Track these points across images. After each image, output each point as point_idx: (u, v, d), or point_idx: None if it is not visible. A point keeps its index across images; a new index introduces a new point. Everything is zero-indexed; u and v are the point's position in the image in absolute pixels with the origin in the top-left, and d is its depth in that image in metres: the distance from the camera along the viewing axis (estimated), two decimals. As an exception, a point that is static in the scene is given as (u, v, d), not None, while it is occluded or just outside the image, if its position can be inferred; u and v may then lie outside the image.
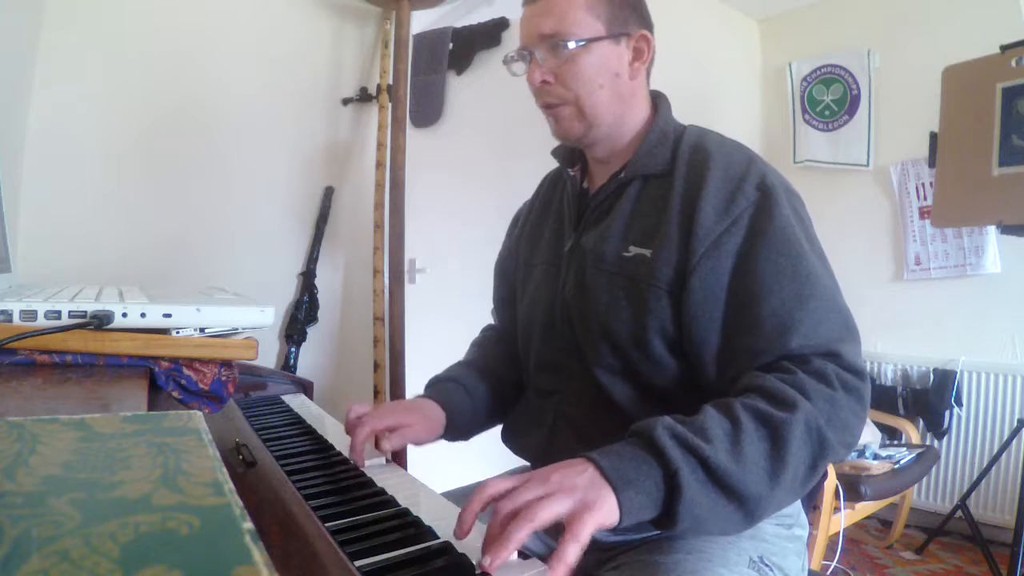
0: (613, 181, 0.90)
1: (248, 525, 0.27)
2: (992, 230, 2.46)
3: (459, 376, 1.00)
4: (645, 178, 0.87)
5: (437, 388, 0.99)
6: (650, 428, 0.66)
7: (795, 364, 0.72)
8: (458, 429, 0.97)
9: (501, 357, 1.07)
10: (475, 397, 0.99)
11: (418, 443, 0.92)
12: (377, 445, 0.87)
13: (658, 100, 0.93)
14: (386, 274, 1.89)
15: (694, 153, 0.84)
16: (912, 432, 2.52)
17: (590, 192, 0.96)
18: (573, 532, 0.57)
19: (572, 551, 0.56)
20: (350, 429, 0.87)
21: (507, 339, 1.10)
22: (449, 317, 2.01)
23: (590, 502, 0.59)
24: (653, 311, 0.80)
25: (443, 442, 0.98)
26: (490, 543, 0.56)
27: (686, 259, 0.79)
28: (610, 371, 0.86)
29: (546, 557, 0.57)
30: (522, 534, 0.56)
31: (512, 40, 2.14)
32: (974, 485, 2.29)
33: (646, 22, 0.90)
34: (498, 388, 1.02)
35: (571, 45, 0.83)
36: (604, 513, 0.59)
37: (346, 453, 0.87)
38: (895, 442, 2.49)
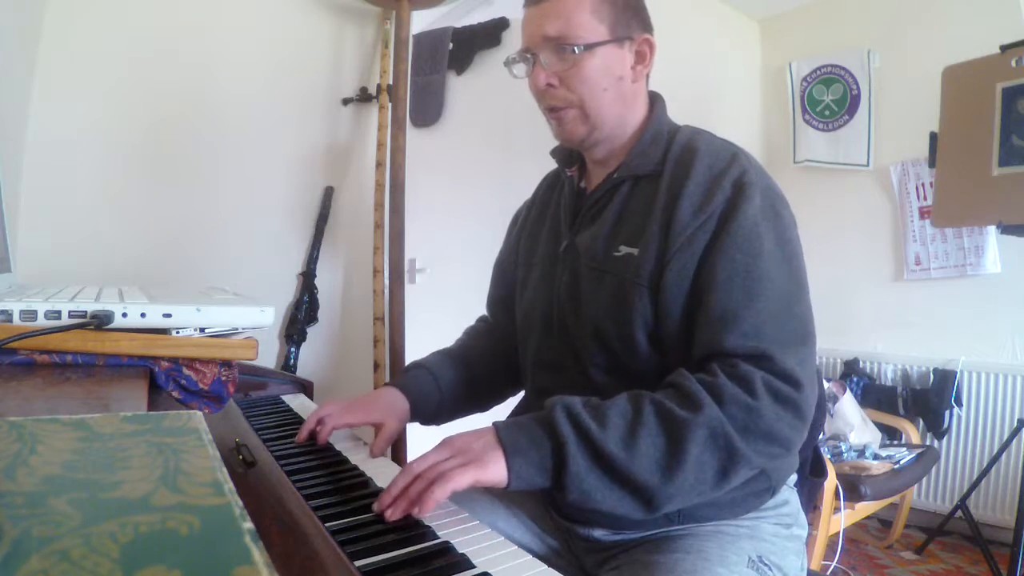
0: (608, 181, 0.90)
1: (248, 525, 0.27)
2: (992, 230, 2.46)
3: (431, 364, 1.03)
4: (637, 178, 0.87)
5: (407, 375, 1.02)
6: (551, 405, 0.72)
7: (722, 366, 0.72)
8: (424, 415, 1.01)
9: (482, 350, 1.09)
10: (443, 386, 1.01)
11: (396, 434, 0.95)
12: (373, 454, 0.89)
13: (654, 101, 0.93)
14: (386, 274, 1.89)
15: (682, 152, 0.84)
16: (912, 432, 2.52)
17: (587, 192, 0.96)
18: (450, 476, 0.65)
19: (439, 489, 0.64)
20: (314, 429, 0.90)
21: (495, 335, 1.11)
22: (449, 317, 2.00)
23: (480, 461, 0.67)
24: (637, 308, 0.80)
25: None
26: (401, 499, 0.66)
27: (663, 255, 0.79)
28: (603, 370, 0.86)
29: (546, 557, 0.57)
30: (435, 497, 0.64)
31: (512, 40, 2.14)
32: (974, 485, 2.29)
33: (647, 26, 0.90)
34: (470, 379, 1.05)
35: (577, 49, 0.83)
36: (490, 472, 0.67)
37: (345, 453, 0.87)
38: (895, 442, 2.49)
